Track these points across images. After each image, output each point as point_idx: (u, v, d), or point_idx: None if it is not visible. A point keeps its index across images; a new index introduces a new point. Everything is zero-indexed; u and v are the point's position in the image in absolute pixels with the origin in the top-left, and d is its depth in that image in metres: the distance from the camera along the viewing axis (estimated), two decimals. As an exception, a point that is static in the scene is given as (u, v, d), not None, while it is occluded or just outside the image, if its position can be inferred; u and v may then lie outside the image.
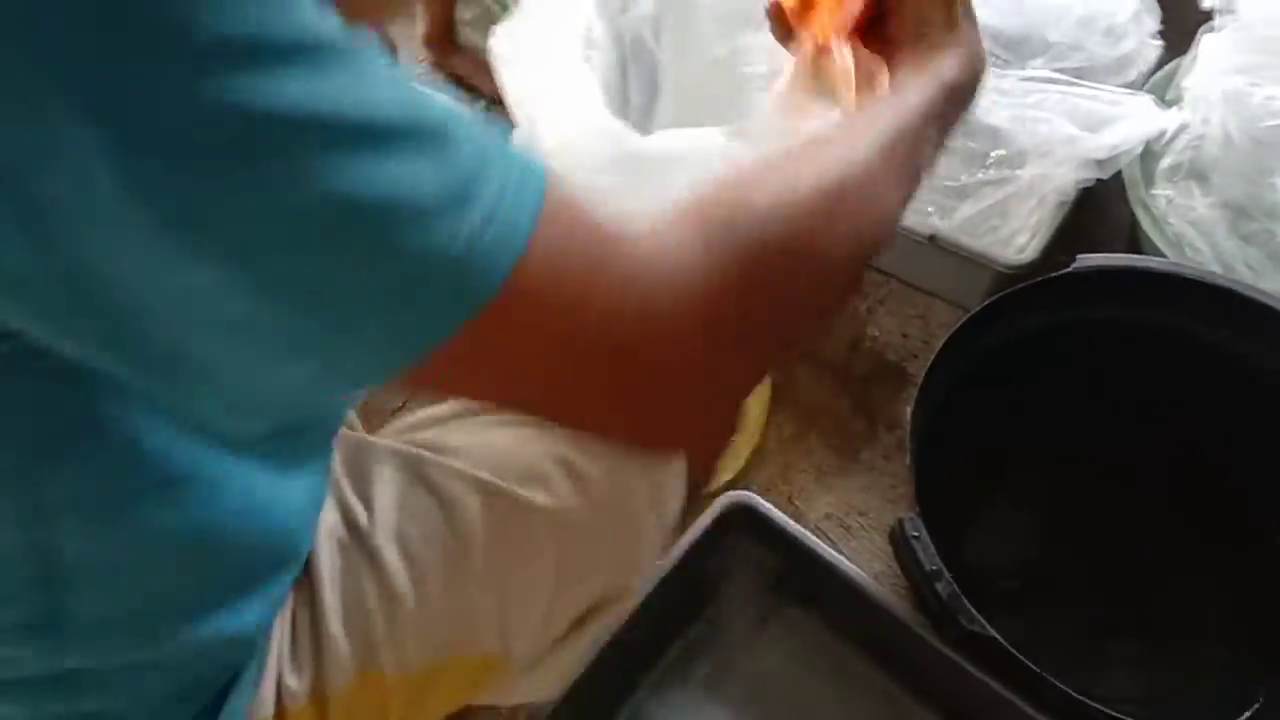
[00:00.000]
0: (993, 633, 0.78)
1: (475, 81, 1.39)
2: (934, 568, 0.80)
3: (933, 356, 0.90)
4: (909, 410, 0.88)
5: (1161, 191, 1.05)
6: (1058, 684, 0.76)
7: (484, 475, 0.64)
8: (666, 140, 0.75)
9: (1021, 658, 0.77)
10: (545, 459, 0.64)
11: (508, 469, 0.64)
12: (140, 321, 0.34)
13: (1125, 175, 1.07)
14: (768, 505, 0.92)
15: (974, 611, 0.79)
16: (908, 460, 0.86)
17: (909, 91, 0.56)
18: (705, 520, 0.91)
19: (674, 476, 0.68)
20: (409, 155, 0.33)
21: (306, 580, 0.62)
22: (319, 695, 0.61)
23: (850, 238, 0.46)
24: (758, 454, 1.09)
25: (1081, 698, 0.75)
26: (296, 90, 0.31)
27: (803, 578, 0.91)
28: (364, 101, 0.32)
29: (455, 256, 0.34)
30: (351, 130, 0.32)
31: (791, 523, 0.91)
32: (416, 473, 0.65)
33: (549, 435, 0.65)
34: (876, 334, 1.18)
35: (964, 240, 1.08)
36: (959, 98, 0.58)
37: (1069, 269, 0.96)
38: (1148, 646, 0.96)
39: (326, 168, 0.31)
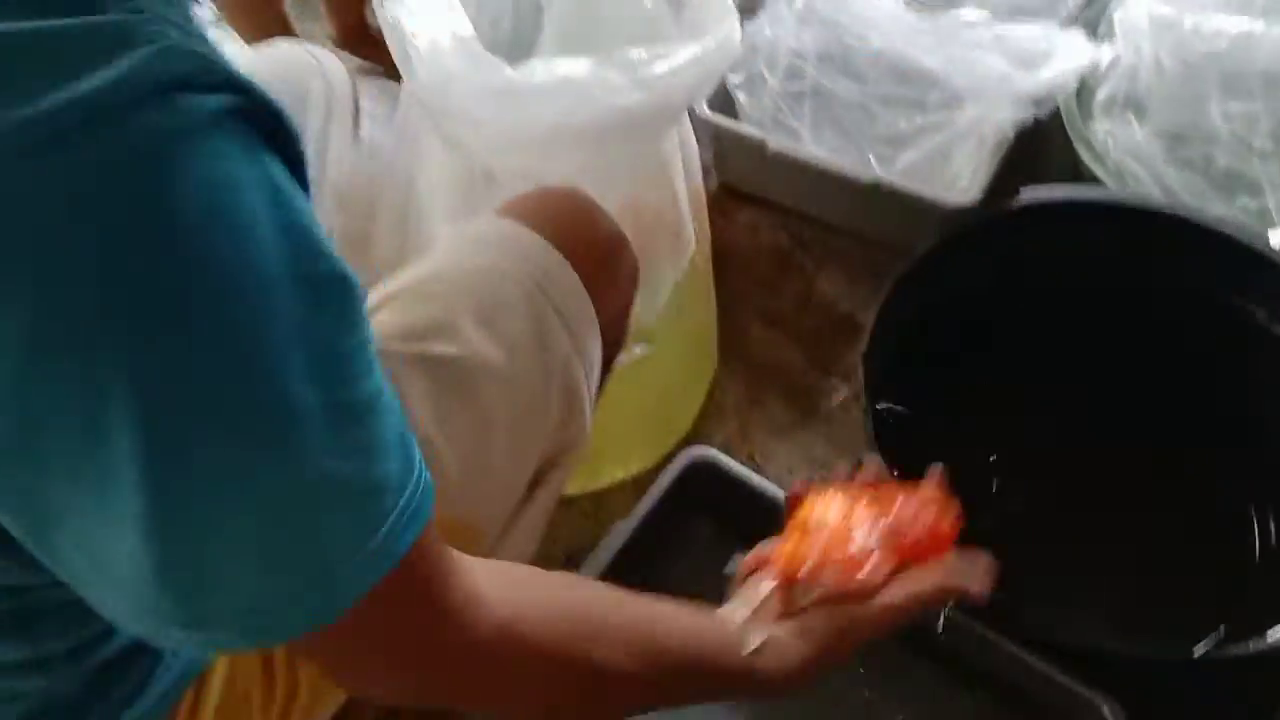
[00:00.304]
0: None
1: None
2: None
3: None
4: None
5: (1100, 124, 1.05)
6: (1023, 610, 0.75)
7: (395, 346, 0.63)
8: (535, 71, 0.74)
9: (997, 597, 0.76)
10: (451, 313, 0.65)
11: (414, 330, 0.64)
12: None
13: (1063, 111, 1.07)
14: (728, 459, 0.91)
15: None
16: (864, 404, 0.85)
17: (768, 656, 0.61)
18: (666, 478, 0.89)
19: (590, 328, 0.69)
20: (352, 505, 0.39)
21: None
22: None
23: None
24: (714, 414, 1.08)
25: (1042, 622, 0.75)
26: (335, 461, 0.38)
27: (768, 529, 0.90)
28: (370, 468, 0.39)
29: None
30: (346, 491, 0.39)
31: (753, 474, 0.90)
32: None
33: (452, 294, 0.66)
34: (826, 288, 1.17)
35: (907, 185, 1.07)
36: (759, 692, 0.63)
37: (1014, 205, 0.96)
38: (1115, 579, 0.96)
39: (304, 520, 0.38)
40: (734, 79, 1.15)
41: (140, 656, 0.54)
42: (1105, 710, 0.77)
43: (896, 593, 0.63)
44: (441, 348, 0.64)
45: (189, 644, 0.45)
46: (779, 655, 0.62)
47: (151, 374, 0.33)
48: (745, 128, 1.13)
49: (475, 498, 0.65)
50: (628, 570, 0.86)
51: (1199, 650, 0.82)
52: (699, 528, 0.94)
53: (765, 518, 0.89)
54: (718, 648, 0.61)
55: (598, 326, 0.70)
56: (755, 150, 1.11)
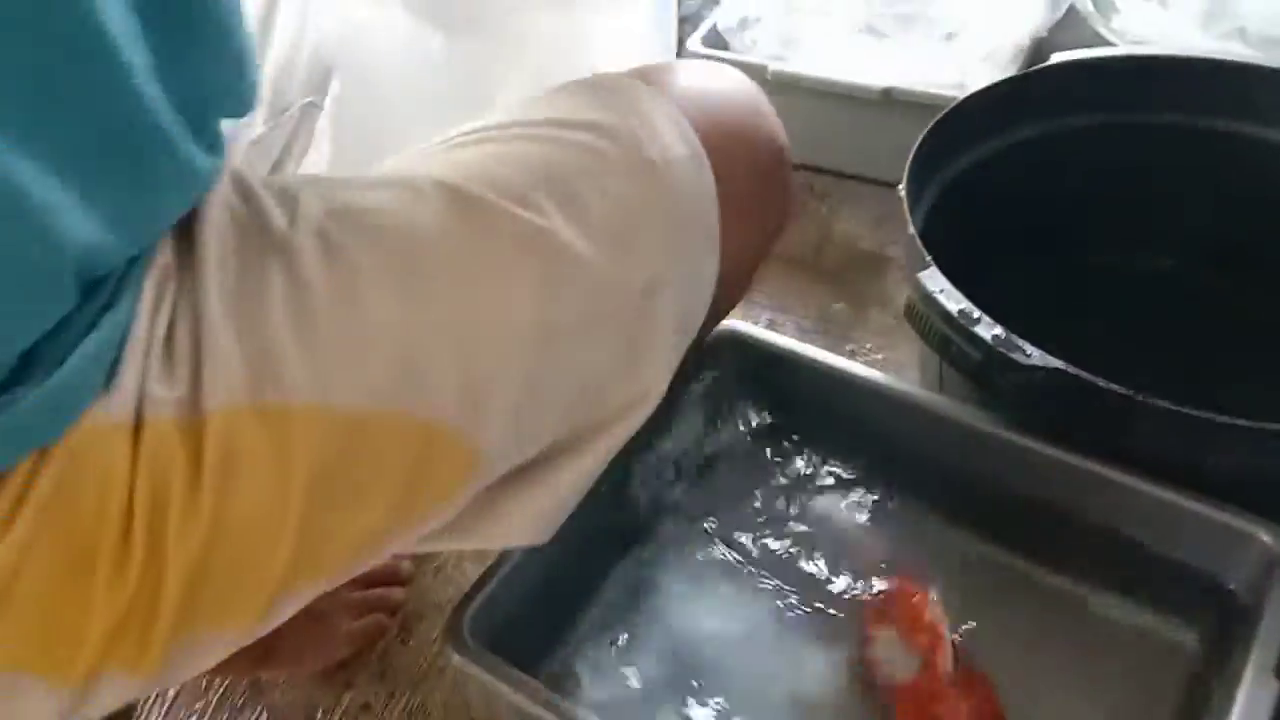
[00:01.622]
0: (1057, 363, 0.62)
1: None
2: (966, 308, 0.65)
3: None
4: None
5: (1123, 17, 0.98)
6: (1160, 403, 0.59)
7: (453, 179, 0.50)
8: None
9: (1102, 382, 0.61)
10: (533, 182, 0.51)
11: (484, 179, 0.50)
12: None
13: (1081, 11, 1.00)
14: (758, 329, 0.77)
15: (1028, 346, 0.63)
16: (908, 216, 0.72)
17: None
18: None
19: (706, 256, 0.55)
20: None
21: (189, 271, 0.46)
22: (194, 414, 0.43)
23: None
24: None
25: (1193, 411, 0.59)
26: None
27: (806, 403, 0.75)
28: None
29: None
30: None
31: (790, 340, 0.75)
32: (357, 185, 0.51)
33: (539, 159, 0.52)
34: (846, 229, 1.06)
35: (923, 87, 0.98)
36: None
37: (1043, 65, 0.87)
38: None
39: None
40: (724, 22, 1.09)
41: None
42: (1266, 536, 0.61)
43: None
44: (507, 204, 0.49)
45: None
46: None
47: None
48: (743, 56, 1.06)
49: (477, 401, 0.48)
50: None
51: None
52: (726, 415, 0.78)
53: (804, 390, 0.75)
54: None
55: (718, 256, 0.56)
56: (755, 76, 1.03)
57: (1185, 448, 0.61)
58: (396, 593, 0.77)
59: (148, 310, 0.44)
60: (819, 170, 1.11)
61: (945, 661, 0.63)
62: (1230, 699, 0.54)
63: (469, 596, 0.62)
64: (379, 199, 0.50)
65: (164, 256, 0.45)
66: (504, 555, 0.64)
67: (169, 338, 0.44)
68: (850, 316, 0.96)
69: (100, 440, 0.42)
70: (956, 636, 0.65)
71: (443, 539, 0.54)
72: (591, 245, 0.50)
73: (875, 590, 0.68)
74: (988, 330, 0.64)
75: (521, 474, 0.54)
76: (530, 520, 0.55)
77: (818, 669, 0.67)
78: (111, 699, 0.46)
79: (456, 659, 0.60)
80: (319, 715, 0.72)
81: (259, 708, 0.72)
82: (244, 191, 0.49)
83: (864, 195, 1.08)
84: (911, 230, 0.73)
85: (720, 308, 0.59)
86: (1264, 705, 0.53)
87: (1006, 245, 0.84)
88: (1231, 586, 0.62)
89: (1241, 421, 0.58)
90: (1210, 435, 0.60)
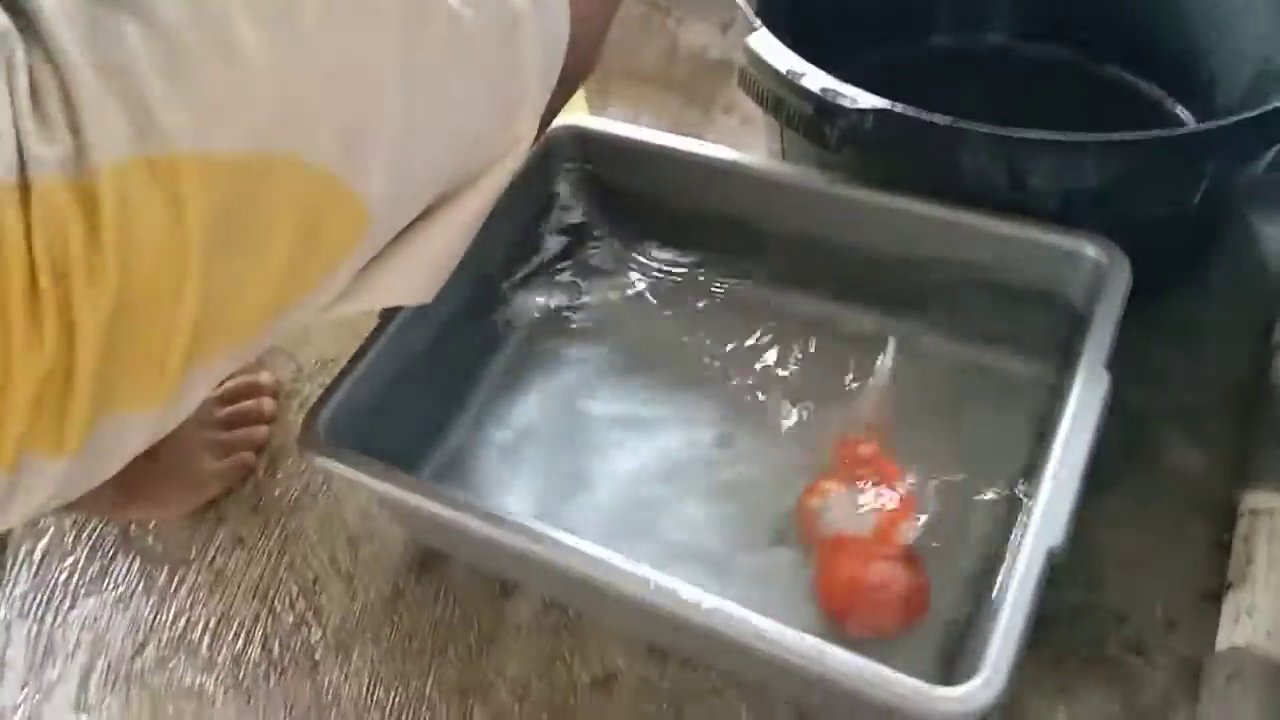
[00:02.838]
0: (883, 102, 0.62)
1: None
2: (792, 67, 0.65)
3: None
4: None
5: None
6: (979, 127, 0.60)
7: None
8: None
9: (926, 115, 0.61)
10: None
11: None
12: None
13: None
14: (599, 120, 0.76)
15: (854, 90, 0.63)
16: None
17: None
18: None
19: (558, 7, 0.55)
20: None
21: (31, 32, 0.42)
22: (82, 172, 0.41)
23: None
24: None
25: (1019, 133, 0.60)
26: None
27: (647, 180, 0.74)
28: None
29: None
30: None
31: (634, 129, 0.75)
32: None
33: None
34: (693, 39, 1.05)
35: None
36: None
37: None
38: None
39: None
40: None
41: None
42: (1091, 249, 0.63)
43: None
44: None
45: None
46: None
47: None
48: None
49: (361, 147, 0.48)
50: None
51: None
52: (574, 211, 0.77)
53: (646, 169, 0.75)
54: None
55: (568, 16, 0.55)
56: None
57: (1009, 173, 0.62)
58: (260, 430, 0.75)
59: (1, 73, 0.41)
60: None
61: (906, 535, 0.62)
62: (1068, 395, 0.57)
63: (321, 399, 0.61)
64: None
65: None
66: (355, 357, 0.63)
67: (34, 98, 0.42)
68: (701, 119, 0.96)
69: None
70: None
71: (335, 305, 0.53)
72: None
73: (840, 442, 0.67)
74: (815, 82, 0.64)
75: (404, 233, 0.54)
76: (415, 277, 0.55)
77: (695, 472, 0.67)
78: (39, 489, 0.45)
79: (315, 459, 0.59)
80: (193, 553, 0.70)
81: (131, 554, 0.71)
82: None
83: (709, 5, 1.07)
84: (740, 1, 0.72)
85: (572, 76, 0.59)
86: (1096, 396, 0.56)
87: (848, 33, 0.84)
88: (1070, 303, 0.64)
89: (1052, 135, 0.60)
90: (1028, 154, 0.61)
